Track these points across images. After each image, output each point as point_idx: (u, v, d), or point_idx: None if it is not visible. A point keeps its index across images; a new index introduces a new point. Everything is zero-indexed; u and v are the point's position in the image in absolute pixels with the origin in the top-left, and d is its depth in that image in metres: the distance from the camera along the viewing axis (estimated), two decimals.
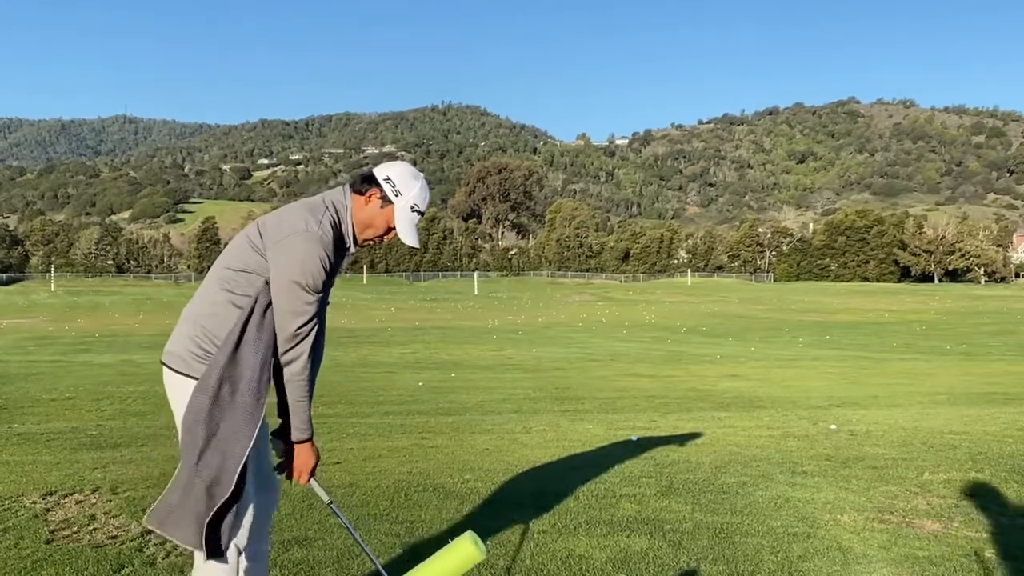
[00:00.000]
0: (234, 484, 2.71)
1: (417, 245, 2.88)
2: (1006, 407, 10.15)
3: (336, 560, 3.94)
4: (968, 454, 6.45)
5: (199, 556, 2.83)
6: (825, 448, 6.81)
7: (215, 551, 2.74)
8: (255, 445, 2.88)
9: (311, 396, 2.84)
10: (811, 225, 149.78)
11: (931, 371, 16.47)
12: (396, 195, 2.83)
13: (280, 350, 2.76)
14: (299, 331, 2.73)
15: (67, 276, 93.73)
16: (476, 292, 77.28)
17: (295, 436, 2.84)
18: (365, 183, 2.87)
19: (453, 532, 4.23)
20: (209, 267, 3.18)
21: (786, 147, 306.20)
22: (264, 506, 2.94)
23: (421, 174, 2.91)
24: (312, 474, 2.92)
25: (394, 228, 2.87)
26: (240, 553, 2.82)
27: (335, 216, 2.81)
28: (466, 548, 2.26)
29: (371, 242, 2.92)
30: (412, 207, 2.84)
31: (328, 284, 2.85)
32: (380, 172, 2.88)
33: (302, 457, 2.88)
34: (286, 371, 2.78)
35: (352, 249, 2.91)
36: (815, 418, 8.87)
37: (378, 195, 2.83)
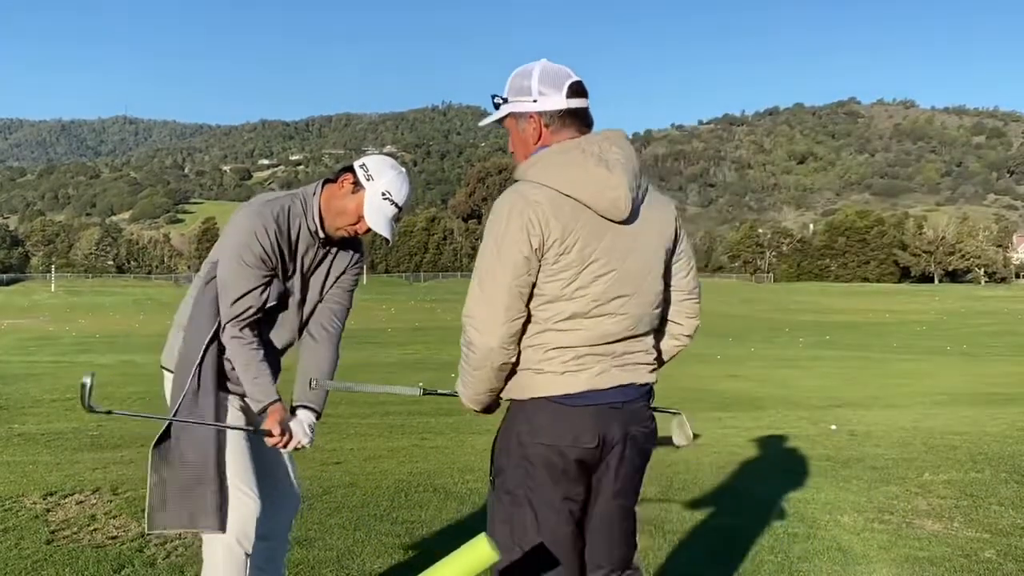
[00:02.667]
0: (191, 457, 2.71)
1: (387, 235, 2.76)
2: (1006, 408, 10.15)
3: (336, 560, 3.94)
4: (968, 454, 6.45)
5: (206, 556, 2.83)
6: (825, 448, 6.80)
7: (212, 524, 2.73)
8: (249, 442, 2.86)
9: (260, 367, 2.75)
10: (811, 225, 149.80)
11: (931, 372, 16.46)
12: (368, 179, 2.75)
13: (222, 323, 2.74)
14: (235, 304, 2.70)
15: (67, 276, 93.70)
16: None
17: (252, 406, 2.78)
18: (341, 172, 2.84)
19: (454, 532, 4.23)
20: None
21: (786, 147, 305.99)
22: (270, 508, 2.90)
23: (403, 169, 2.84)
24: (290, 435, 2.79)
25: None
26: (247, 555, 2.81)
27: (299, 202, 2.80)
28: (482, 548, 2.26)
29: (344, 232, 2.82)
30: (383, 194, 2.74)
31: (290, 270, 2.80)
32: (357, 161, 2.85)
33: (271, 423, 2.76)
34: (229, 342, 2.73)
35: (321, 235, 2.83)
36: (815, 418, 8.86)
37: (350, 180, 2.78)
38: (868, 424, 8.30)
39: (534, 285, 2.13)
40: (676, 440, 2.59)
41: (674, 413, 2.59)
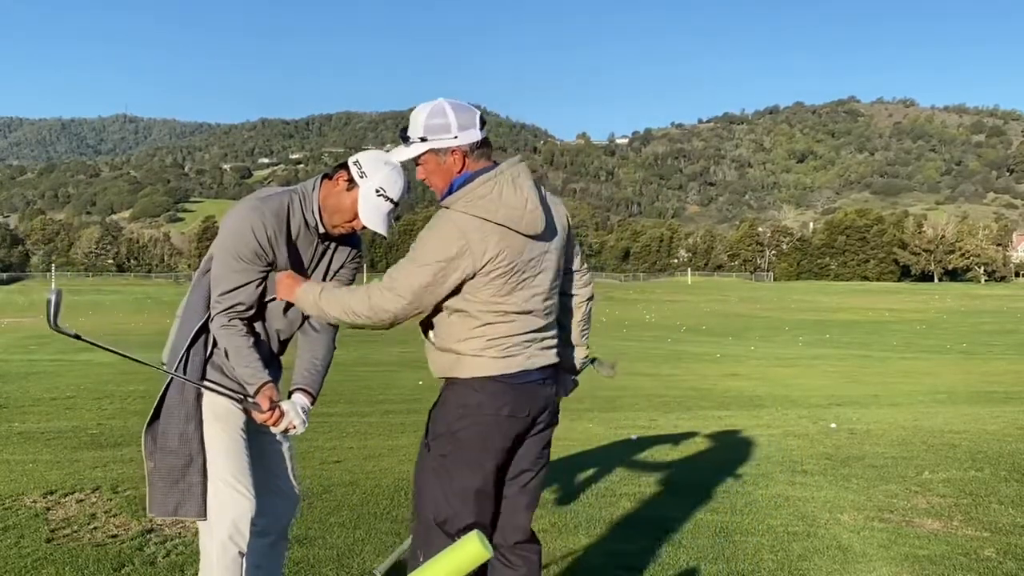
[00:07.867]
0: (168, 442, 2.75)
1: (383, 231, 2.77)
2: (1006, 406, 10.15)
3: (336, 558, 3.95)
4: (968, 453, 6.45)
5: (202, 555, 2.83)
6: (825, 447, 6.81)
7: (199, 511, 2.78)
8: (245, 440, 2.86)
9: (251, 353, 2.76)
10: (811, 224, 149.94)
11: (931, 370, 16.46)
12: (361, 176, 2.75)
13: (212, 315, 2.79)
14: (225, 296, 2.73)
15: (68, 275, 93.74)
16: None
17: (248, 390, 2.79)
18: (337, 168, 2.85)
19: None
20: None
21: (786, 146, 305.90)
22: (269, 504, 2.91)
23: (397, 163, 2.80)
24: (281, 415, 2.78)
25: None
26: (242, 553, 2.81)
27: (297, 198, 2.81)
28: (473, 546, 2.27)
29: (342, 228, 2.82)
30: (377, 190, 2.74)
31: (288, 265, 2.80)
32: (352, 157, 2.84)
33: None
34: (219, 331, 2.78)
35: (321, 230, 2.83)
36: (815, 417, 8.86)
37: (345, 177, 2.78)
38: (868, 422, 8.30)
39: (459, 290, 2.53)
40: (605, 372, 3.11)
41: (591, 362, 3.03)
